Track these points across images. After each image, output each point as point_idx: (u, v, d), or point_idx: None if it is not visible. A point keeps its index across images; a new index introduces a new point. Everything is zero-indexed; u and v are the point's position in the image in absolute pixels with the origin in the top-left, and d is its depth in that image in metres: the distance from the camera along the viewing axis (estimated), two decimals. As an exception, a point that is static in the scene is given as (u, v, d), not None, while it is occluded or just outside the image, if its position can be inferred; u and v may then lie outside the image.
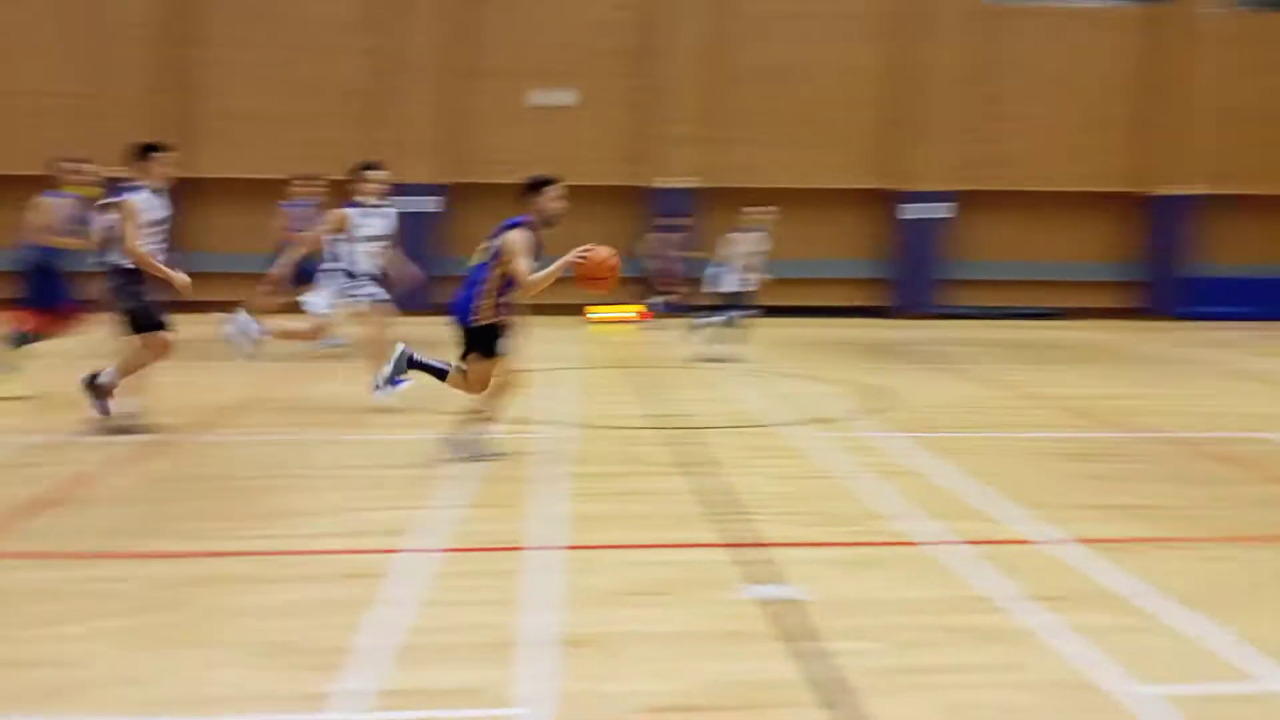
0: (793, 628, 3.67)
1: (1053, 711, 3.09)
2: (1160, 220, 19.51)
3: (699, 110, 18.66)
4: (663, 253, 17.29)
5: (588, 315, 17.05)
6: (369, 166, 8.29)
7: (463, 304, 6.16)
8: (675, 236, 17.34)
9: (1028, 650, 3.53)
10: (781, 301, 15.96)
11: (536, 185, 6.19)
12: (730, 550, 4.61)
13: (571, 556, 4.50)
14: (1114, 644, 3.55)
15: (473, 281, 6.17)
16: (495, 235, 6.16)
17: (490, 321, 6.14)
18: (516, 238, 6.02)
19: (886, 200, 19.21)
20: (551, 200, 6.17)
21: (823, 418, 8.06)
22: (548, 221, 6.18)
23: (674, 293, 16.83)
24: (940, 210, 19.10)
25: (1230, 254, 19.72)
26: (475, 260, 6.27)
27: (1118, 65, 19.52)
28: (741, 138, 18.73)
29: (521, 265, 5.95)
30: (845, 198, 19.25)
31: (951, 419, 8.18)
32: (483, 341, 6.17)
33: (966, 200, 19.04)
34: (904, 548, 4.71)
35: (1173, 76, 19.31)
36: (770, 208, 12.12)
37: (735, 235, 11.89)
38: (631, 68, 18.76)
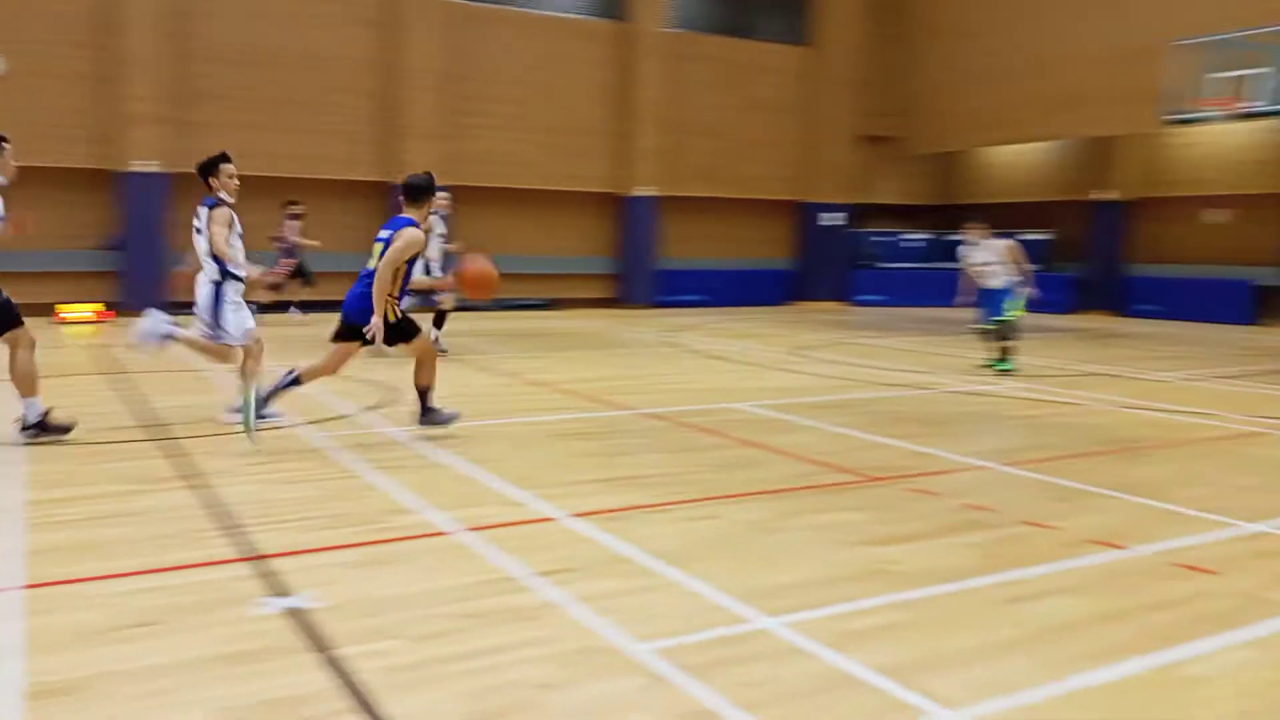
0: (313, 636, 3.44)
1: (573, 678, 3.19)
2: (632, 218, 21.55)
3: (165, 89, 17.06)
4: (281, 242, 15.66)
5: (59, 315, 15.05)
6: None
7: None
8: (295, 225, 15.86)
9: (547, 624, 3.63)
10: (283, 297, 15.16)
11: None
12: (236, 565, 4.22)
13: (33, 596, 3.82)
14: (622, 606, 3.79)
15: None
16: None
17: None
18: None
19: (385, 194, 19.09)
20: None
21: (329, 416, 7.74)
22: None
23: (282, 285, 15.39)
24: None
25: (684, 249, 22.47)
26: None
27: (593, 74, 21.18)
28: (226, 122, 17.47)
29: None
30: (342, 189, 18.83)
31: (460, 408, 8.27)
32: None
33: (455, 195, 19.54)
34: (421, 540, 4.63)
35: (633, 87, 21.33)
36: (445, 194, 11.55)
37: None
38: (86, 38, 16.64)
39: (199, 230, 7.32)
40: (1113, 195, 21.85)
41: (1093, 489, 5.86)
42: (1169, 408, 8.99)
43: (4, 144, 6.61)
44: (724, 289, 22.61)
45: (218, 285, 7.32)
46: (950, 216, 25.86)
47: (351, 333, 6.73)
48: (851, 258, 24.02)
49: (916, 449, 6.95)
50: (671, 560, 4.35)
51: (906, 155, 24.80)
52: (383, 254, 6.59)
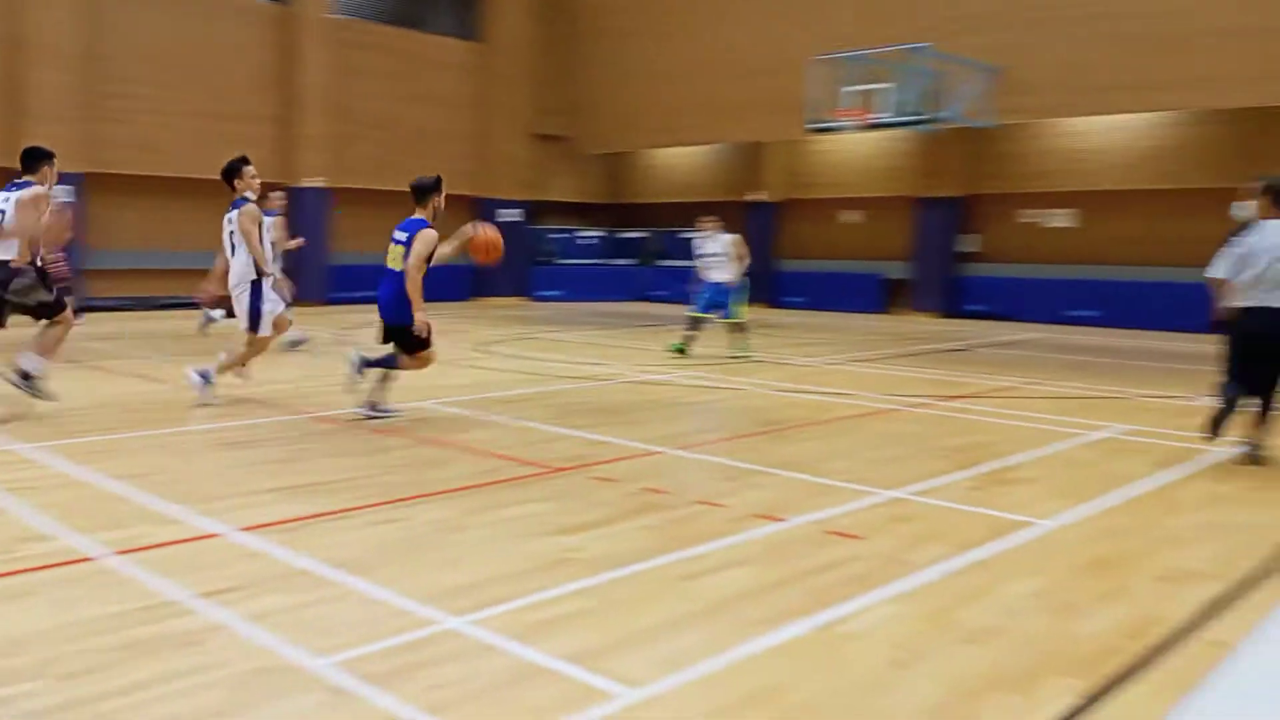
0: (-78, 692, 2.97)
1: (247, 703, 2.98)
2: (300, 211, 20.45)
3: None
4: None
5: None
6: None
7: None
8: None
9: (215, 648, 3.36)
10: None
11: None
12: None
13: None
14: (298, 621, 3.59)
15: None
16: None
17: None
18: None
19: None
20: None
21: (-56, 434, 6.74)
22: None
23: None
24: (61, 194, 17.49)
25: (359, 243, 21.77)
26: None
27: (253, 57, 19.97)
28: None
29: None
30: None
31: (101, 421, 7.50)
32: None
33: (96, 184, 17.77)
34: (62, 568, 4.14)
35: (297, 74, 20.36)
36: (279, 193, 11.07)
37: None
38: None
39: (233, 232, 8.27)
40: (764, 196, 23.62)
41: (755, 467, 6.29)
42: (816, 389, 9.85)
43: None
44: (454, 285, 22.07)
45: (255, 283, 8.23)
46: (621, 214, 26.94)
47: (395, 334, 7.48)
48: (530, 254, 24.31)
49: (597, 438, 7.15)
50: (352, 569, 4.17)
51: (578, 154, 25.46)
52: (406, 255, 7.34)
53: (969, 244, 21.05)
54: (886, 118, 16.75)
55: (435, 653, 3.37)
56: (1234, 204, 9.50)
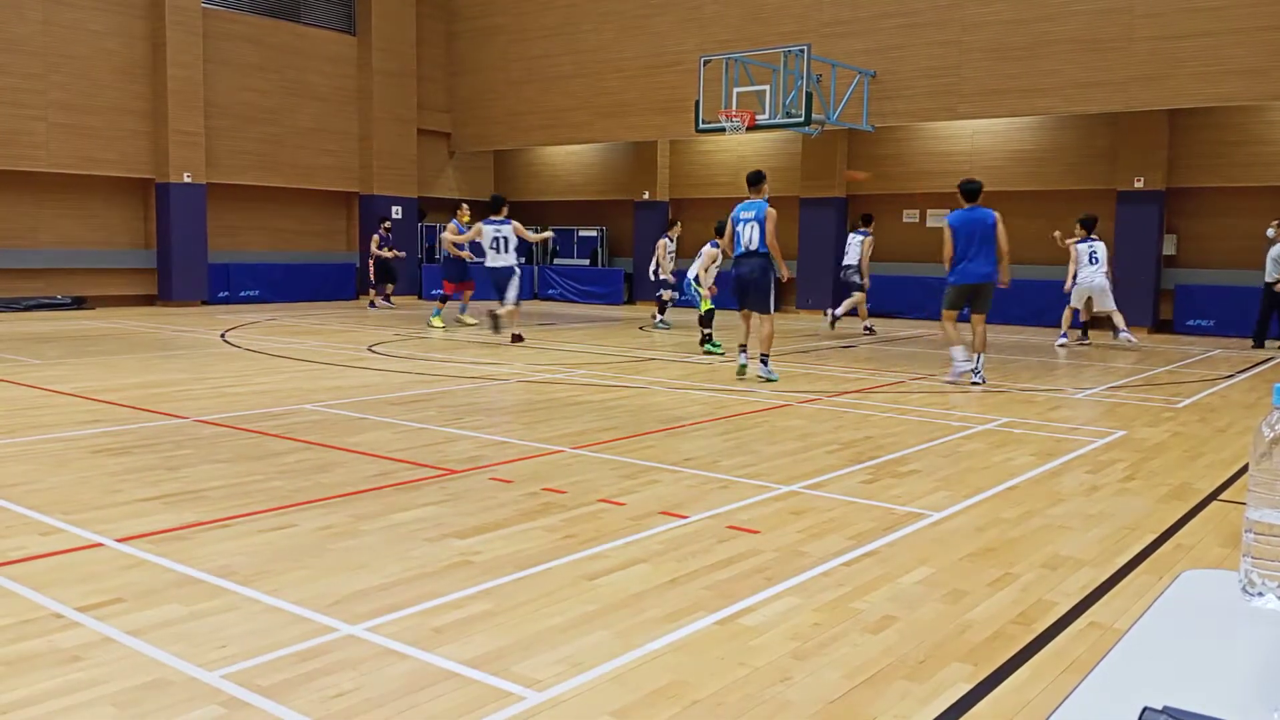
0: None
1: (135, 718, 2.85)
2: (174, 207, 19.73)
3: None
4: None
5: None
6: None
7: None
8: None
9: (100, 662, 3.20)
10: None
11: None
12: None
13: None
14: (188, 633, 3.45)
15: None
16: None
17: None
18: None
19: None
20: None
21: None
22: None
23: None
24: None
25: (238, 241, 21.16)
26: None
27: (117, 47, 19.15)
28: None
29: None
30: None
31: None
32: None
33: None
34: (-75, 585, 3.88)
35: (166, 65, 19.57)
36: None
37: None
38: None
39: None
40: (656, 196, 23.74)
41: (655, 464, 6.32)
42: (712, 386, 9.95)
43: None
44: (286, 284, 21.53)
45: None
46: (510, 212, 26.68)
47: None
48: (420, 252, 23.91)
49: (494, 438, 7.07)
50: (242, 578, 4.03)
51: (463, 151, 25.16)
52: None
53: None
54: (767, 119, 17.03)
55: (333, 661, 3.28)
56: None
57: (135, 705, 2.93)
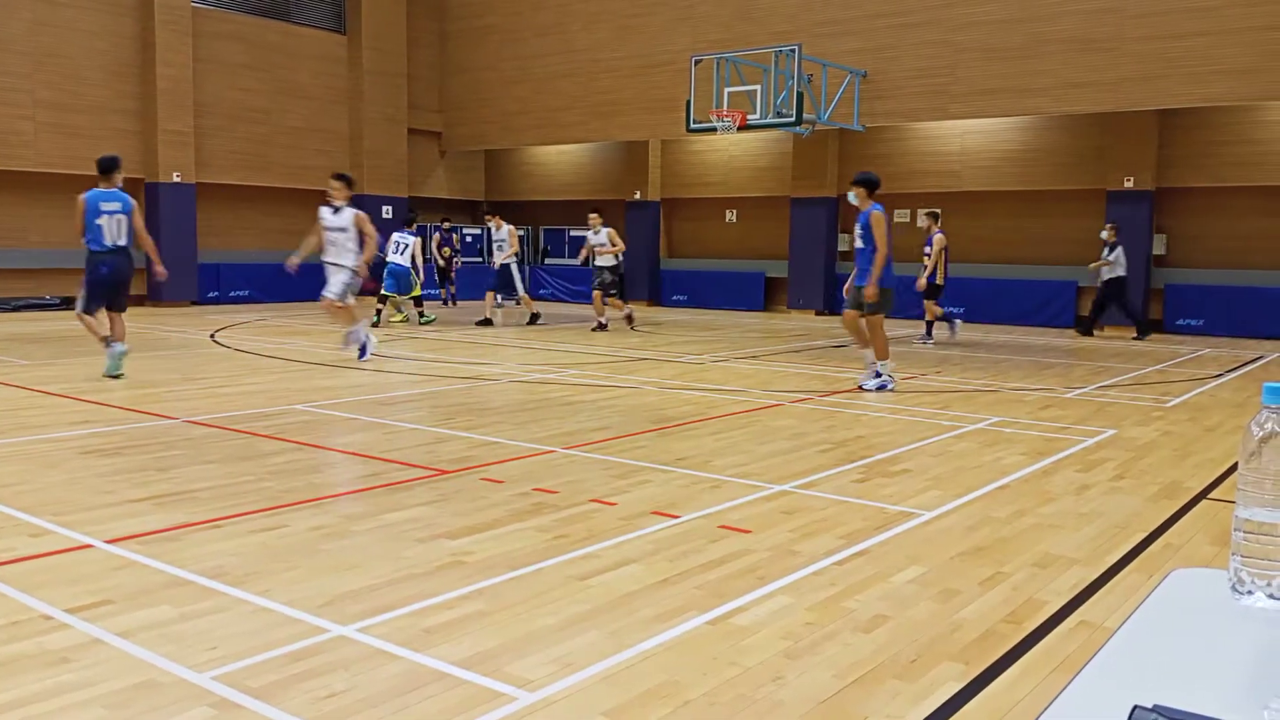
0: None
1: (125, 724, 2.83)
2: (163, 207, 19.69)
3: None
4: None
5: None
6: None
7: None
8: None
9: (89, 664, 3.19)
10: None
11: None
12: None
13: None
14: (178, 634, 3.44)
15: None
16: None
17: None
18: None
19: None
20: None
21: None
22: None
23: None
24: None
25: (228, 241, 21.09)
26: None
27: (106, 47, 19.09)
28: None
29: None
30: None
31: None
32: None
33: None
34: (-86, 587, 3.87)
35: (156, 65, 19.52)
36: None
37: None
38: None
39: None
40: (647, 196, 23.74)
41: (647, 464, 6.32)
42: (704, 386, 9.96)
43: None
44: (276, 284, 21.46)
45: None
46: (501, 212, 26.65)
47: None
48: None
49: (486, 439, 7.06)
50: (233, 579, 4.02)
51: (454, 151, 25.13)
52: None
53: (847, 243, 21.56)
54: (759, 119, 17.05)
55: (325, 661, 3.27)
56: None
57: (125, 707, 2.92)
